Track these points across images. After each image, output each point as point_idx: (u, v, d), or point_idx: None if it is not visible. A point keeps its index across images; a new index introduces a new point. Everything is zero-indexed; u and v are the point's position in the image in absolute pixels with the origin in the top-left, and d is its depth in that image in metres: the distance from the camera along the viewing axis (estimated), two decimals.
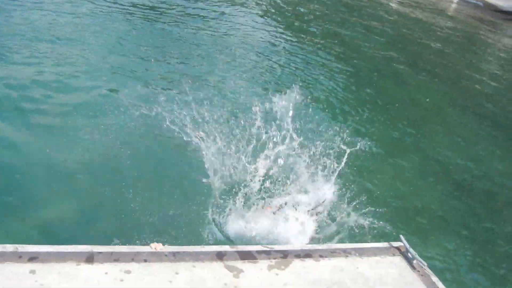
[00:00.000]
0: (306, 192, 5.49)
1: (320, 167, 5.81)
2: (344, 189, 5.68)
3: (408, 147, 8.09)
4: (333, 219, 5.23)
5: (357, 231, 5.16)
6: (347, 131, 7.95)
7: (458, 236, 6.08)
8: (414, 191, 6.94)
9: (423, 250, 5.19)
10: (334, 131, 7.78)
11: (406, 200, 6.51)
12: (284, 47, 12.07)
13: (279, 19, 14.73)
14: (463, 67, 14.46)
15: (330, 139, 7.17)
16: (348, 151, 5.86)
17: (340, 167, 5.92)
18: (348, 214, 5.36)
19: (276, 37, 12.83)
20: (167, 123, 5.90)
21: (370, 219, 5.31)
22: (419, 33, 16.88)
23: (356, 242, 4.78)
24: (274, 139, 5.91)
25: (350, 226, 5.22)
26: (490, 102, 12.04)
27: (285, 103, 6.17)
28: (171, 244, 3.00)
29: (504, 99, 12.69)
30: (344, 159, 6.40)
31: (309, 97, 8.98)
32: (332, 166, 6.13)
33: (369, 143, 7.68)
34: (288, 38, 13.04)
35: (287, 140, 6.08)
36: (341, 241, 4.89)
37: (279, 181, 5.42)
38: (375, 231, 5.22)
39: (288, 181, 5.40)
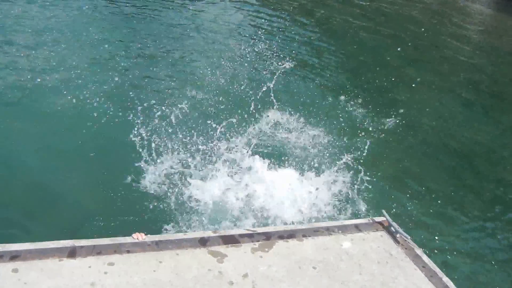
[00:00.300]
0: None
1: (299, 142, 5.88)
2: (325, 163, 5.72)
3: (390, 118, 8.10)
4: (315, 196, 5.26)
5: (340, 206, 5.21)
6: (326, 104, 8.02)
7: (442, 207, 6.13)
8: (396, 162, 6.97)
9: (406, 223, 5.25)
10: (315, 105, 7.84)
11: (389, 173, 6.54)
12: (260, 27, 12.01)
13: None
14: (441, 35, 14.52)
15: (310, 114, 7.24)
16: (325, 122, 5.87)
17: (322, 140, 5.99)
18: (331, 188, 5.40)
19: (253, 16, 12.76)
20: (140, 110, 5.86)
21: (353, 193, 5.35)
22: (396, 5, 16.86)
23: (340, 219, 4.83)
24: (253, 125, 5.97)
25: (333, 202, 5.26)
26: (469, 69, 12.13)
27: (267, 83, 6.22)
28: (154, 233, 2.99)
29: (480, 65, 12.79)
30: (325, 132, 6.48)
31: (283, 71, 8.98)
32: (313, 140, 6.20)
33: (350, 114, 7.73)
34: (262, 16, 12.97)
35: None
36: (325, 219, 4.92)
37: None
38: (358, 205, 5.28)
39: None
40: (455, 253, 5.24)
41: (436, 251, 5.04)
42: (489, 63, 13.29)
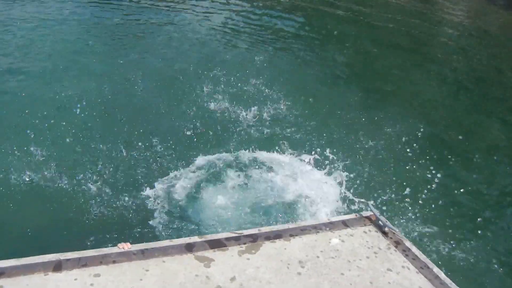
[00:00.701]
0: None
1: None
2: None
3: (375, 115, 8.11)
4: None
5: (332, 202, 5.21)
6: (311, 103, 8.03)
7: (429, 197, 6.10)
8: (386, 153, 6.97)
9: (394, 216, 5.26)
10: (300, 103, 7.84)
11: (375, 169, 6.53)
12: (246, 26, 11.99)
13: None
14: (421, 31, 14.52)
15: (294, 112, 7.24)
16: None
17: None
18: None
19: (236, 15, 12.75)
20: (127, 119, 5.82)
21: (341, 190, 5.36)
22: (374, 6, 16.89)
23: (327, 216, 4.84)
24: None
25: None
26: (452, 62, 12.13)
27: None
28: (140, 241, 2.97)
29: (464, 57, 12.81)
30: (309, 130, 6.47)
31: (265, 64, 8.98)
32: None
33: (334, 113, 7.72)
34: (246, 15, 12.96)
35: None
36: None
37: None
38: (351, 201, 5.27)
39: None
40: (445, 245, 5.23)
41: (425, 243, 5.04)
42: (480, 47, 13.33)
